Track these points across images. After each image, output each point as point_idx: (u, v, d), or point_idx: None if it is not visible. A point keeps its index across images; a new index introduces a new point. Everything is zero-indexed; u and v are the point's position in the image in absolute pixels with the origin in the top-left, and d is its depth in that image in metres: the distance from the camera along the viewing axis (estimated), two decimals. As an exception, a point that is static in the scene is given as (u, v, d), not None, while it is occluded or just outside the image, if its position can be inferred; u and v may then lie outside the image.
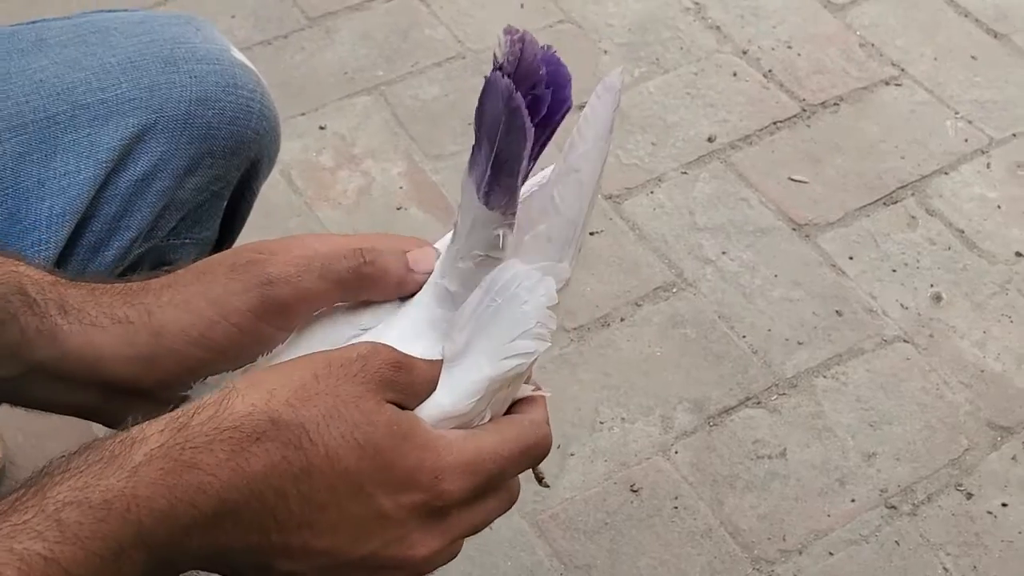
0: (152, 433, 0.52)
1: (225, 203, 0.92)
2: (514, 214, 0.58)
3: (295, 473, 0.53)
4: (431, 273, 0.62)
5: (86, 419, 0.65)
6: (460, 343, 0.59)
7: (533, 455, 0.61)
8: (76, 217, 0.81)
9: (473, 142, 0.58)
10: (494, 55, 0.55)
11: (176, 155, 0.85)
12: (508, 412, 0.63)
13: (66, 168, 0.82)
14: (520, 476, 0.62)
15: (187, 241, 0.89)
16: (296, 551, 0.55)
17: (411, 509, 0.56)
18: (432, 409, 0.58)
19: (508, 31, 0.55)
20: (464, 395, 0.58)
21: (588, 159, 0.59)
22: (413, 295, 0.63)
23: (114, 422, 0.63)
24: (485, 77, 0.56)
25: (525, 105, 0.55)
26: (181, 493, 0.51)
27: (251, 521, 0.53)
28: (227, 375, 0.62)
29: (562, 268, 0.60)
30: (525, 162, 0.56)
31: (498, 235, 0.58)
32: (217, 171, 0.88)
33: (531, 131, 0.55)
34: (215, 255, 0.63)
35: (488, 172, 0.57)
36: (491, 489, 0.60)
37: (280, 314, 0.61)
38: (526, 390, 0.64)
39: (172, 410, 0.54)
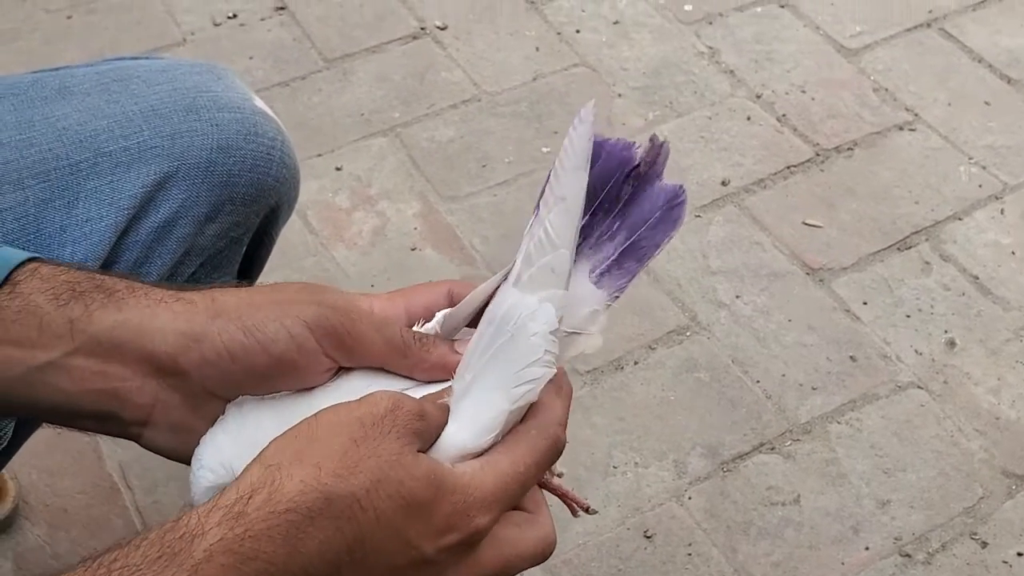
0: (211, 527, 0.52)
1: (244, 249, 0.93)
2: (618, 297, 0.64)
3: (348, 543, 0.54)
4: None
5: (96, 428, 0.65)
6: (467, 380, 0.61)
7: (547, 460, 0.62)
8: (98, 263, 0.81)
9: (589, 224, 0.64)
10: (635, 153, 0.64)
11: (197, 202, 0.85)
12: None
13: (88, 215, 0.82)
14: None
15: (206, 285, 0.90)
16: None
17: (448, 549, 0.58)
18: (451, 448, 0.60)
19: (653, 138, 0.64)
20: (483, 430, 0.60)
21: (571, 188, 0.62)
22: None
23: (127, 424, 0.63)
24: (631, 171, 0.64)
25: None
26: None
27: None
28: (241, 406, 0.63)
29: (565, 296, 0.62)
30: (654, 249, 0.64)
31: (596, 312, 0.64)
32: (237, 218, 0.89)
33: (682, 221, 0.64)
34: None
35: (615, 256, 0.64)
36: (516, 503, 0.61)
37: (328, 338, 0.62)
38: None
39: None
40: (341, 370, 0.64)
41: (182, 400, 0.63)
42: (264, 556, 0.52)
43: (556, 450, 0.63)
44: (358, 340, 0.62)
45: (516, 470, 0.60)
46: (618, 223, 0.64)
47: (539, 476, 0.63)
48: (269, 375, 0.62)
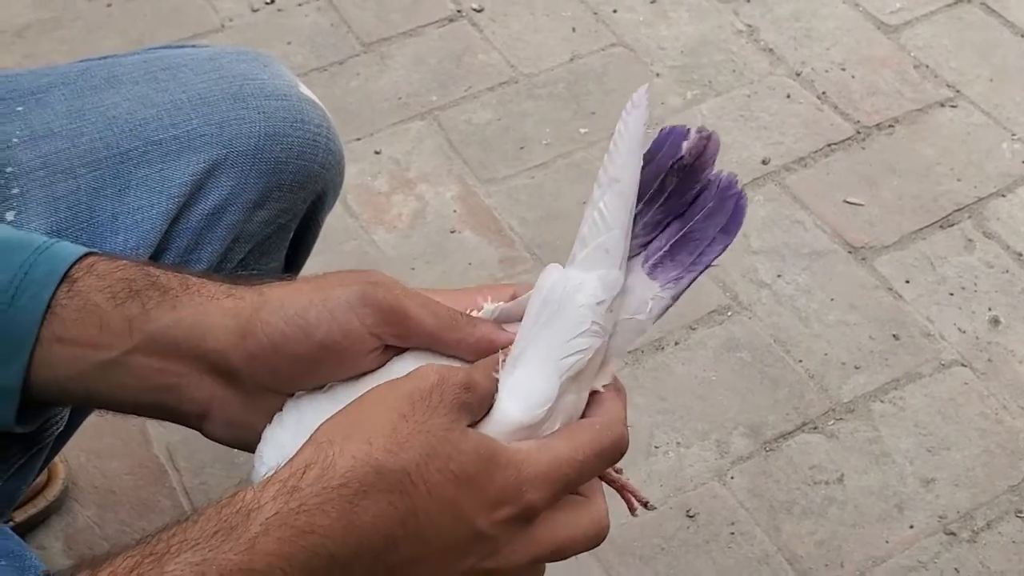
0: (266, 501, 0.53)
1: (291, 235, 0.94)
2: (672, 289, 0.64)
3: (402, 517, 0.55)
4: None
5: (158, 417, 0.67)
6: (515, 354, 0.62)
7: (609, 456, 0.62)
8: (149, 251, 0.82)
9: (641, 214, 0.63)
10: (679, 144, 0.62)
11: (246, 189, 0.86)
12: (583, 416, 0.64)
13: (139, 203, 0.83)
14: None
15: (254, 272, 0.91)
16: None
17: (502, 523, 0.58)
18: (504, 424, 0.60)
19: (701, 129, 0.63)
20: (534, 404, 0.60)
21: (626, 170, 0.62)
22: None
23: (187, 416, 0.65)
24: (677, 162, 0.63)
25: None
26: (297, 560, 0.53)
27: (362, 570, 0.56)
28: (301, 401, 0.63)
29: (618, 275, 0.62)
30: (714, 246, 0.63)
31: (647, 300, 0.64)
32: (284, 204, 0.89)
33: (742, 222, 0.64)
34: None
35: (667, 247, 0.64)
36: (571, 491, 0.62)
37: (374, 313, 0.62)
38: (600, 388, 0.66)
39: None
40: (391, 354, 0.64)
41: (237, 396, 0.64)
42: (320, 530, 0.53)
43: (619, 449, 0.63)
44: (403, 314, 0.63)
45: (574, 457, 0.60)
46: (666, 213, 0.64)
47: (599, 470, 0.63)
48: (316, 362, 0.63)
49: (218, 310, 0.63)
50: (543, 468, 0.59)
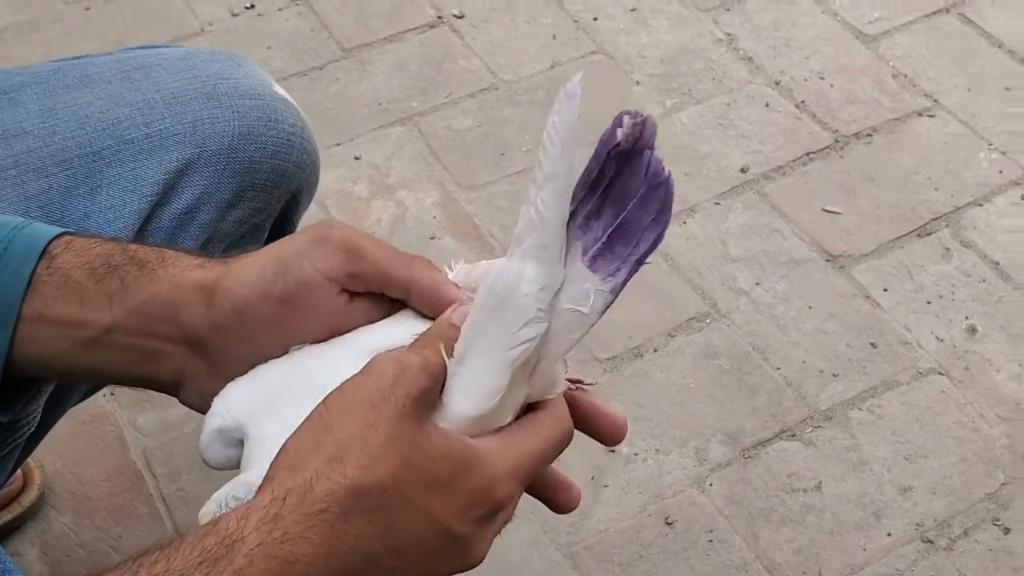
0: (249, 532, 0.53)
1: (266, 235, 0.93)
2: (611, 282, 0.61)
3: (381, 532, 0.55)
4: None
5: (138, 386, 0.68)
6: (462, 348, 0.61)
7: (561, 447, 0.64)
8: None
9: (579, 204, 0.61)
10: (615, 131, 0.59)
11: (219, 189, 0.86)
12: (530, 409, 0.64)
13: (111, 202, 0.83)
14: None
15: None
16: None
17: (473, 521, 0.59)
18: (457, 417, 0.60)
19: (632, 113, 0.60)
20: (486, 396, 0.60)
21: (560, 164, 0.60)
22: None
23: (162, 385, 0.67)
24: (612, 150, 0.60)
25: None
26: None
27: None
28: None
29: (559, 269, 0.61)
30: (647, 236, 0.61)
31: (588, 292, 0.62)
32: (258, 204, 0.89)
33: (670, 209, 0.61)
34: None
35: (604, 238, 0.61)
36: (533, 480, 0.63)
37: (326, 255, 0.63)
38: (559, 386, 0.66)
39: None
40: (358, 306, 0.65)
41: (207, 367, 0.65)
42: (304, 558, 0.53)
43: (568, 440, 0.64)
44: (356, 250, 0.63)
45: (535, 450, 0.61)
46: (603, 202, 0.61)
47: (551, 460, 0.64)
48: (280, 322, 0.63)
49: (190, 283, 0.64)
50: (510, 466, 0.60)
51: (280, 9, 1.96)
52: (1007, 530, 1.32)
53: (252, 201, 0.89)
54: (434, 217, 1.67)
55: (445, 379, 0.60)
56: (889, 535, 1.32)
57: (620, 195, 0.61)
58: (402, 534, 0.56)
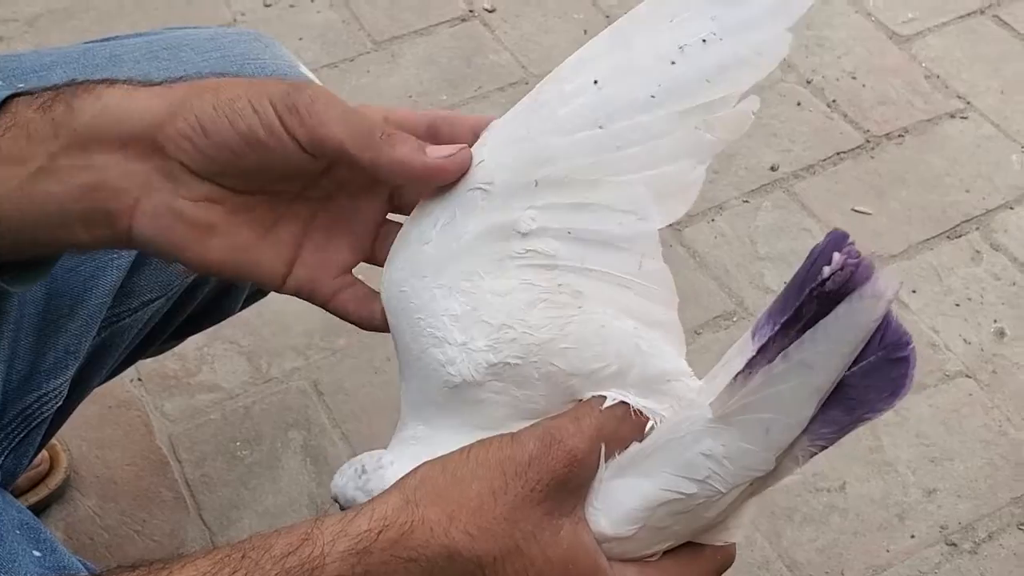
0: (332, 561, 0.51)
1: None
2: (821, 444, 0.55)
3: None
4: (446, 156, 0.61)
5: (89, 241, 0.63)
6: (623, 460, 0.57)
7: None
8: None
9: (770, 341, 0.54)
10: (820, 267, 0.51)
11: None
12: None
13: None
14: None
15: None
16: None
17: None
18: (593, 529, 0.56)
19: (846, 248, 0.51)
20: (623, 521, 0.56)
21: (826, 364, 0.52)
22: None
23: (115, 219, 0.61)
24: (816, 288, 0.51)
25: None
26: None
27: None
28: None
29: (768, 459, 0.55)
30: (871, 409, 0.53)
31: (799, 456, 0.56)
32: None
33: (907, 389, 0.53)
34: None
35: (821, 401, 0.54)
36: None
37: (289, 114, 0.59)
38: (732, 536, 0.61)
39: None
40: (333, 173, 0.63)
41: (163, 180, 0.61)
42: None
43: (726, 568, 0.60)
44: (317, 121, 0.59)
45: None
46: (820, 354, 0.53)
47: None
48: (240, 154, 0.60)
49: (145, 95, 0.60)
50: None
51: (313, 1, 1.97)
52: (1032, 535, 1.31)
53: None
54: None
55: (593, 478, 0.56)
56: (913, 537, 1.31)
57: (838, 350, 0.52)
58: None
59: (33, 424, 0.83)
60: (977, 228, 1.65)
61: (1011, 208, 1.67)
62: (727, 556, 0.60)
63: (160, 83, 0.62)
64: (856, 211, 1.66)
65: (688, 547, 0.58)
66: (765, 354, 0.54)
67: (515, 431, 0.55)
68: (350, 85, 1.83)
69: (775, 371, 0.53)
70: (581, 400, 0.59)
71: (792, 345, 0.53)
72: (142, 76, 0.85)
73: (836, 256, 0.51)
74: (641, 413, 0.59)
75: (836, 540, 1.31)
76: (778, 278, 1.57)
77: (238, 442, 1.39)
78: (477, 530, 0.52)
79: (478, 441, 0.55)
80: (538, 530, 0.53)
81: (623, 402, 0.58)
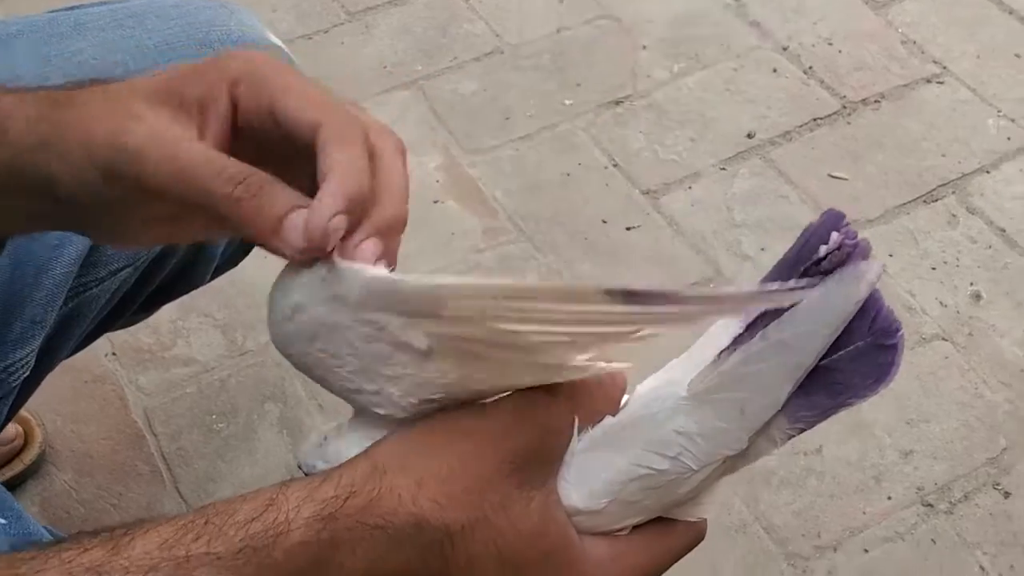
0: (297, 527, 0.50)
1: None
2: (800, 427, 0.54)
3: (429, 574, 0.52)
4: (299, 249, 0.51)
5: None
6: (596, 433, 0.56)
7: (680, 556, 0.59)
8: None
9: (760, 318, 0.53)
10: (817, 245, 0.50)
11: None
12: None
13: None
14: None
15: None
16: None
17: None
18: (564, 503, 0.55)
19: (842, 227, 0.51)
20: (594, 493, 0.55)
21: (805, 342, 0.52)
22: None
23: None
24: (811, 266, 0.50)
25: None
26: None
27: None
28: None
29: (741, 439, 0.54)
30: (855, 395, 0.53)
31: (776, 437, 0.55)
32: None
33: (892, 377, 0.52)
34: (151, 77, 0.55)
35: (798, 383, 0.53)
36: None
37: (116, 186, 0.53)
38: (703, 512, 0.60)
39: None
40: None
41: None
42: (342, 568, 0.51)
43: (697, 543, 0.59)
44: (158, 191, 0.52)
45: (645, 568, 0.57)
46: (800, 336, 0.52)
47: (667, 568, 0.58)
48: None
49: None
50: None
51: (285, -28, 1.96)
52: (1007, 494, 1.32)
53: None
54: (437, 181, 1.66)
55: (566, 451, 0.55)
56: (889, 498, 1.32)
57: (819, 332, 0.52)
58: None
59: (0, 394, 0.83)
60: (953, 192, 1.65)
61: (987, 172, 1.67)
62: (698, 532, 0.59)
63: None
64: (833, 177, 1.66)
65: (659, 522, 0.58)
66: (752, 332, 0.53)
67: (487, 401, 0.54)
68: (324, 57, 1.82)
69: (753, 349, 0.53)
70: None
71: (772, 324, 0.52)
72: (106, 44, 0.85)
73: (834, 235, 0.50)
74: (615, 387, 0.58)
75: (813, 503, 1.31)
76: (755, 245, 1.57)
77: (214, 415, 1.39)
78: (446, 499, 0.51)
79: (447, 412, 0.54)
80: (508, 501, 0.52)
81: (597, 377, 0.57)
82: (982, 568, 1.26)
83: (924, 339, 1.47)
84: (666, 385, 0.57)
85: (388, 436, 0.54)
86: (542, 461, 0.54)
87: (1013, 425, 1.38)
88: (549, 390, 0.55)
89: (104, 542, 0.49)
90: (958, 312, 1.50)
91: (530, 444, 0.53)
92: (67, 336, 0.91)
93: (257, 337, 1.46)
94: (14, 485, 1.30)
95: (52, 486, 1.33)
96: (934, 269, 1.55)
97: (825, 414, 0.54)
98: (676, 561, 0.59)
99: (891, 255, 1.56)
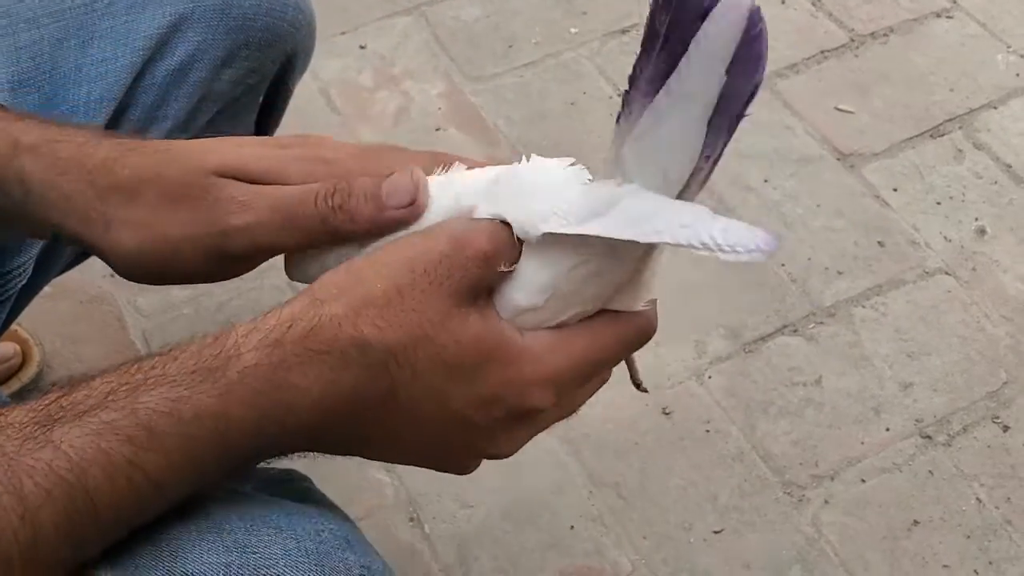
0: (248, 349, 0.52)
1: (260, 98, 0.92)
2: (715, 162, 0.54)
3: (381, 394, 0.54)
4: (408, 206, 0.58)
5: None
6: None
7: (631, 346, 0.59)
8: (113, 104, 0.81)
9: (641, 61, 0.52)
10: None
11: (213, 45, 0.84)
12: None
13: (103, 55, 0.81)
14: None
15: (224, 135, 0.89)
16: (384, 455, 0.58)
17: (498, 419, 0.56)
18: (507, 306, 0.56)
19: None
20: (533, 290, 0.56)
21: (703, 85, 0.51)
22: None
23: None
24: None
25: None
26: (271, 412, 0.52)
27: (336, 438, 0.56)
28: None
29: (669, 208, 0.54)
30: (740, 101, 0.52)
31: (695, 186, 0.55)
32: (253, 64, 0.87)
33: (763, 71, 0.51)
34: (191, 161, 0.60)
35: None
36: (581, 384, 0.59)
37: (235, 262, 0.61)
38: (640, 301, 0.59)
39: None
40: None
41: None
42: (296, 389, 0.52)
43: (646, 335, 0.59)
44: (265, 251, 0.60)
45: (592, 356, 0.57)
46: (672, 61, 0.52)
47: (616, 361, 0.60)
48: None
49: (71, 225, 0.61)
50: (551, 369, 0.56)
51: None
52: (1006, 428, 1.32)
53: (246, 60, 0.87)
54: (439, 109, 1.65)
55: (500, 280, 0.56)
56: (888, 430, 1.31)
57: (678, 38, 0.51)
58: (406, 404, 0.54)
59: None
60: (960, 127, 1.63)
61: (995, 108, 1.65)
62: (646, 320, 0.59)
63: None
64: (839, 109, 1.64)
65: (604, 313, 0.58)
66: (638, 90, 0.53)
67: (421, 230, 0.56)
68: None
69: (659, 107, 0.52)
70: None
71: (671, 77, 0.52)
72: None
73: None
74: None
75: (811, 432, 1.31)
76: (758, 176, 1.56)
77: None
78: (384, 322, 0.53)
79: (387, 243, 0.56)
80: (446, 318, 0.54)
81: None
82: (979, 500, 1.26)
83: (927, 273, 1.46)
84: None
85: (327, 271, 0.56)
86: (477, 286, 0.55)
87: (1014, 359, 1.38)
88: (489, 222, 0.56)
89: (64, 386, 0.52)
90: (962, 247, 1.49)
91: (469, 272, 0.54)
92: (62, 247, 0.90)
93: (256, 260, 1.45)
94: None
95: (49, 405, 1.33)
96: (939, 204, 1.54)
97: (728, 134, 0.53)
98: (629, 352, 0.59)
99: (896, 189, 1.55)
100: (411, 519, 1.24)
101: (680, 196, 0.55)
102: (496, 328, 0.55)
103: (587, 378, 0.58)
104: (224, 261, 0.60)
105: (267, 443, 0.54)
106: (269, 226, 0.59)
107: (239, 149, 0.61)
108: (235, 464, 0.54)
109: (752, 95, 0.52)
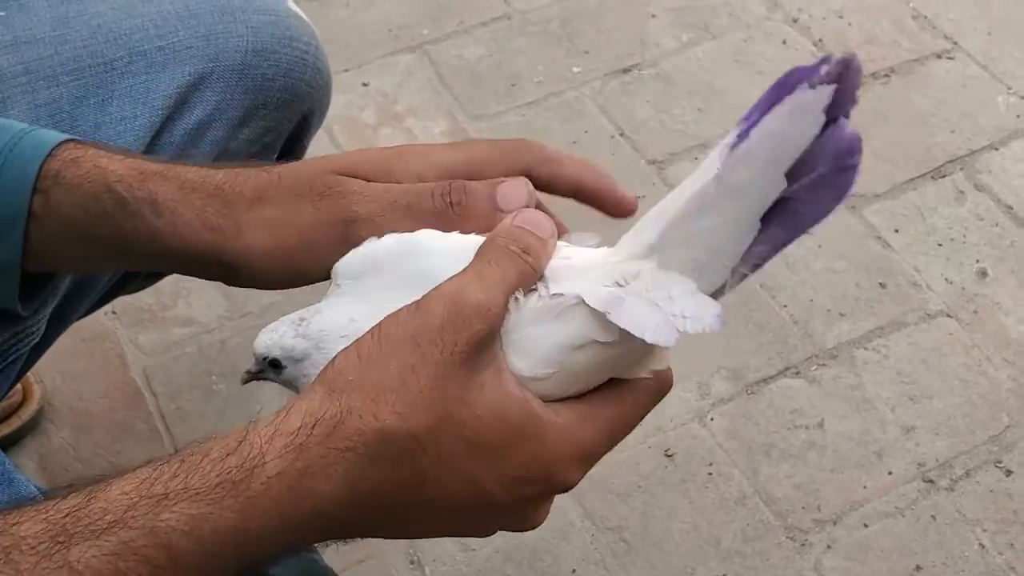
0: (271, 457, 0.51)
1: (276, 156, 0.92)
2: (749, 265, 0.52)
3: (408, 484, 0.53)
4: (518, 204, 0.62)
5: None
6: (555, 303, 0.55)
7: (651, 408, 0.59)
8: None
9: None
10: (817, 67, 0.48)
11: (231, 105, 0.85)
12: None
13: (122, 113, 0.82)
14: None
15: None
16: (409, 534, 0.58)
17: (527, 498, 0.56)
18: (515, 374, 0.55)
19: (846, 57, 0.48)
20: (539, 362, 0.54)
21: (759, 184, 0.49)
22: None
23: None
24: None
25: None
26: (293, 521, 0.52)
27: (363, 528, 0.56)
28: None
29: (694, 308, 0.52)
30: (808, 222, 0.49)
31: (726, 282, 0.53)
32: (270, 123, 0.88)
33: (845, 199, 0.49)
34: (307, 166, 0.65)
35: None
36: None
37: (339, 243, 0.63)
38: (649, 368, 0.58)
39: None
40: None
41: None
42: (322, 494, 0.52)
43: (664, 394, 0.60)
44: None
45: (619, 426, 0.57)
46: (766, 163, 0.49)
47: (642, 418, 0.59)
48: (313, 282, 0.66)
49: (201, 246, 0.63)
50: (579, 446, 0.55)
51: (292, -68, 1.93)
52: (1008, 472, 1.31)
53: (264, 120, 0.87)
54: (442, 146, 1.65)
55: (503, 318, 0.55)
56: (890, 474, 1.31)
57: (785, 155, 0.49)
58: (434, 491, 0.54)
59: (8, 360, 0.82)
60: (961, 168, 1.64)
61: (996, 149, 1.66)
62: (664, 381, 0.59)
63: (202, 203, 0.64)
64: (840, 150, 1.65)
65: (618, 381, 0.58)
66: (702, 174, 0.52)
67: (418, 299, 0.55)
68: (329, 18, 1.81)
69: (707, 194, 0.50)
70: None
71: (724, 162, 0.48)
72: (126, 7, 0.84)
73: (824, 67, 0.48)
74: (541, 261, 0.57)
75: (813, 476, 1.31)
76: (760, 216, 1.56)
77: (214, 375, 1.38)
78: (404, 407, 0.52)
79: (386, 318, 0.55)
80: (464, 391, 0.53)
81: (519, 252, 0.56)
82: (982, 545, 1.25)
83: (929, 315, 1.46)
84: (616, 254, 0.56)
85: (335, 357, 0.55)
86: (484, 342, 0.54)
87: (1016, 403, 1.38)
88: (477, 273, 0.55)
89: (81, 490, 0.51)
90: (963, 289, 1.49)
91: (473, 331, 0.53)
92: (77, 303, 0.90)
93: (259, 299, 1.45)
94: (12, 441, 1.30)
95: (50, 443, 1.32)
96: (940, 245, 1.54)
97: (778, 248, 0.51)
98: (647, 413, 0.59)
99: (897, 230, 1.55)
100: (412, 561, 1.23)
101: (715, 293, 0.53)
102: (516, 399, 0.54)
103: (613, 446, 0.58)
104: (351, 248, 0.62)
105: (290, 546, 0.54)
106: (391, 216, 0.62)
107: (347, 156, 0.66)
108: (254, 565, 0.53)
109: (823, 220, 0.50)
